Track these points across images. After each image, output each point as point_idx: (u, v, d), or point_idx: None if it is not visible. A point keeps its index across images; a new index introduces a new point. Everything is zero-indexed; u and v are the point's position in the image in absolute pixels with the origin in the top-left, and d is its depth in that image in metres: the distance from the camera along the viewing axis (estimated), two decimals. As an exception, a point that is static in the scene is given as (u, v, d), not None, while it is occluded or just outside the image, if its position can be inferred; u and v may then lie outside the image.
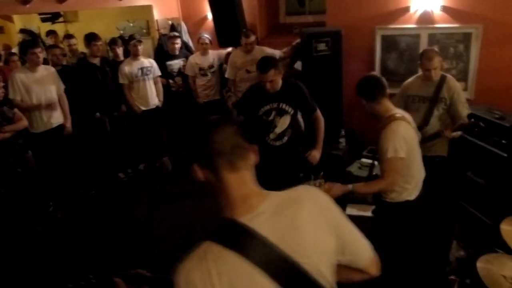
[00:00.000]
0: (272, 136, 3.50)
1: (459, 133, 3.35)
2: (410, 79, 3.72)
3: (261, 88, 3.35)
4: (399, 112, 2.60)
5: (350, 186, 2.58)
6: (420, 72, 3.63)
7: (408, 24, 4.67)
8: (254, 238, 1.08)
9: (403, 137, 2.46)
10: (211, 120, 1.23)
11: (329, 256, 1.17)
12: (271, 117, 3.46)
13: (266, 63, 3.26)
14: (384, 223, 2.80)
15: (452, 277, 2.82)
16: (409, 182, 2.61)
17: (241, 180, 1.17)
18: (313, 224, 1.14)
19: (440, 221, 3.57)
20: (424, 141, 3.40)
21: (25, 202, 4.32)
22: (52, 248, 4.09)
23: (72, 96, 4.84)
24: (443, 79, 3.47)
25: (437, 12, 4.47)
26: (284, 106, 3.43)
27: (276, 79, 3.29)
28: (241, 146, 1.18)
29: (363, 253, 1.27)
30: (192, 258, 1.10)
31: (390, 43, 4.84)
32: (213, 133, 1.16)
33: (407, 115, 2.65)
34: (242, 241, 1.08)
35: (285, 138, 3.52)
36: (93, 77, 5.02)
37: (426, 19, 4.54)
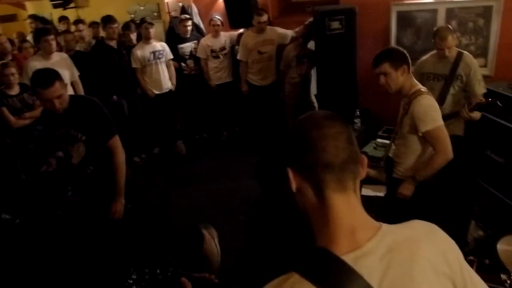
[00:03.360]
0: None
1: (478, 114, 3.24)
2: (425, 56, 3.64)
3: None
4: (423, 87, 2.55)
5: (410, 180, 2.56)
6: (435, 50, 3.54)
7: (425, -1, 4.52)
8: (356, 282, 0.84)
9: (435, 108, 2.45)
10: (322, 115, 0.97)
11: None
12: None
13: (48, 76, 2.51)
14: (397, 200, 2.75)
15: (471, 257, 2.78)
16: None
17: (350, 204, 0.92)
18: (432, 274, 0.89)
19: (458, 201, 3.52)
20: None
21: (44, 187, 4.41)
22: (71, 231, 4.17)
23: (89, 79, 4.88)
24: (459, 56, 3.39)
25: (455, -15, 4.31)
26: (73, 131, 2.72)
27: (63, 94, 2.56)
28: (355, 159, 0.93)
29: None
30: None
31: (406, 19, 4.69)
32: (324, 137, 0.91)
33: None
34: (343, 285, 0.84)
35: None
36: (110, 59, 5.06)
37: (443, -7, 4.39)
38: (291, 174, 0.95)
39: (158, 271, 1.22)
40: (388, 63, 2.46)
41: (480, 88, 3.36)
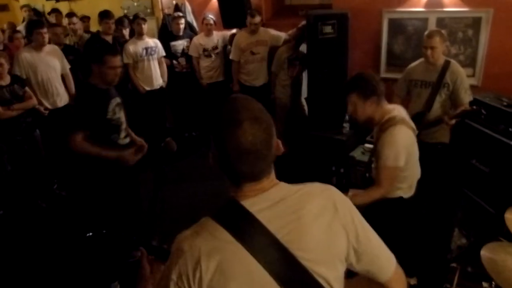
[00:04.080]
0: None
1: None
2: (414, 63, 3.69)
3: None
4: (397, 113, 2.38)
5: (349, 195, 2.36)
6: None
7: (416, 8, 4.58)
8: (253, 224, 1.03)
9: (404, 146, 2.32)
10: (242, 104, 1.10)
11: (335, 257, 1.09)
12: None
13: (114, 46, 2.85)
14: (374, 215, 2.73)
15: (454, 264, 2.83)
16: (403, 182, 2.50)
17: (259, 184, 1.09)
18: (322, 220, 1.07)
19: (442, 209, 3.57)
20: (426, 128, 3.39)
21: (30, 179, 4.37)
22: (56, 225, 4.14)
23: (81, 73, 4.84)
24: (446, 64, 3.44)
25: (446, -5, 4.38)
26: None
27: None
28: (269, 147, 1.07)
29: (384, 266, 1.18)
30: (189, 231, 1.07)
31: (397, 26, 4.75)
32: (240, 129, 1.03)
33: (403, 111, 2.47)
34: (241, 224, 1.03)
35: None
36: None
37: (435, 2, 4.45)
38: (212, 158, 1.12)
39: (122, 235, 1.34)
40: (355, 93, 2.35)
41: (466, 97, 3.41)
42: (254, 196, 1.07)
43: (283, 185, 1.12)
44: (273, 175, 1.12)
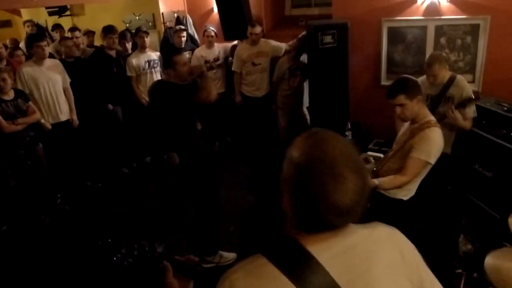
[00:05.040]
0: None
1: (469, 124, 3.36)
2: (420, 79, 3.63)
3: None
4: (434, 118, 2.60)
5: (376, 181, 2.52)
6: None
7: (415, 16, 4.62)
8: (318, 273, 0.89)
9: (439, 147, 2.50)
10: (340, 150, 0.92)
11: None
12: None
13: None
14: (374, 213, 2.74)
15: (459, 270, 2.82)
16: (414, 185, 2.63)
17: (331, 233, 0.96)
18: (390, 272, 0.97)
19: (447, 215, 3.56)
20: None
21: (34, 194, 4.37)
22: (59, 240, 4.14)
23: (85, 87, 4.92)
24: (452, 78, 3.45)
25: (444, 3, 4.42)
26: None
27: None
28: (365, 202, 0.93)
29: None
30: (241, 269, 0.96)
31: (396, 35, 4.80)
32: (344, 186, 0.88)
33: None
34: (303, 271, 0.89)
35: None
36: (108, 68, 5.10)
37: (433, 10, 4.50)
38: (286, 198, 0.95)
39: (147, 249, 1.21)
40: (404, 94, 2.50)
41: (470, 112, 3.38)
42: (322, 241, 0.94)
43: (353, 228, 0.98)
44: None
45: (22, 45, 5.91)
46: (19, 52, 5.12)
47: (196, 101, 3.16)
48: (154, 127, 3.40)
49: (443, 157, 3.43)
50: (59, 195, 4.75)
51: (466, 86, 3.46)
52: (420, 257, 1.07)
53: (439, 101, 3.46)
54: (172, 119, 3.17)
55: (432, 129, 2.49)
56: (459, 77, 3.49)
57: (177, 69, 3.12)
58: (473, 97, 3.39)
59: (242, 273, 0.95)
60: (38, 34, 4.90)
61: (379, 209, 2.62)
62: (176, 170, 3.25)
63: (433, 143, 2.47)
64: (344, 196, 0.88)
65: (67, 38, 5.26)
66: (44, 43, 4.41)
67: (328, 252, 0.92)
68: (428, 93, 3.51)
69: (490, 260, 2.28)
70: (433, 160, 2.48)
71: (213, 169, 3.51)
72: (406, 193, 2.65)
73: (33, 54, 4.45)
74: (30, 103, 4.21)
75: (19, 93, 4.15)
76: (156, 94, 3.29)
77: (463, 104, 3.30)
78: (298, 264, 0.90)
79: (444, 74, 3.44)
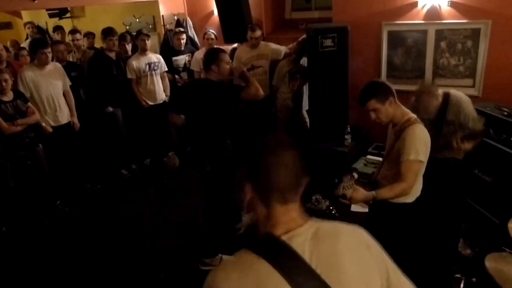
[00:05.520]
0: None
1: (470, 145, 3.24)
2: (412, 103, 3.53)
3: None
4: (413, 114, 2.55)
5: (373, 193, 2.43)
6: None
7: (415, 20, 4.63)
8: (293, 257, 1.05)
9: (424, 142, 2.45)
10: (279, 143, 1.19)
11: None
12: None
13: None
14: (378, 220, 2.71)
15: (458, 275, 2.81)
16: (417, 185, 2.56)
17: (288, 211, 1.14)
18: (356, 257, 1.09)
19: (447, 219, 3.56)
20: (436, 151, 3.22)
21: (33, 195, 4.37)
22: (58, 241, 4.13)
23: (85, 89, 4.93)
24: (446, 99, 3.26)
25: (445, 7, 4.42)
26: None
27: None
28: (300, 182, 1.15)
29: None
30: (221, 264, 1.14)
31: (396, 39, 4.80)
32: (276, 164, 1.12)
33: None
34: (281, 256, 1.05)
35: None
36: (108, 70, 5.11)
37: (433, 14, 4.50)
38: (247, 187, 1.17)
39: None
40: (374, 99, 2.48)
41: (476, 125, 3.25)
42: (289, 230, 1.11)
43: (315, 220, 1.16)
44: (302, 210, 1.18)
45: (23, 45, 5.92)
46: (24, 52, 5.14)
47: (244, 98, 3.26)
48: (188, 119, 3.47)
49: (453, 160, 3.38)
50: (58, 197, 4.75)
51: (463, 102, 3.25)
52: (386, 256, 1.17)
53: (440, 125, 3.30)
54: (213, 114, 3.27)
55: (413, 126, 2.45)
56: (452, 93, 3.29)
57: (221, 66, 3.23)
58: (483, 129, 3.28)
59: (221, 266, 1.14)
60: (42, 40, 4.89)
61: (383, 215, 2.63)
62: (203, 165, 3.39)
63: (417, 140, 2.42)
64: (278, 173, 1.12)
65: (59, 42, 5.25)
66: (49, 49, 4.42)
67: (298, 238, 1.08)
68: (427, 117, 3.23)
69: (491, 263, 2.28)
70: (423, 157, 2.42)
71: (234, 167, 3.60)
72: (411, 196, 2.59)
73: (36, 60, 4.45)
74: (29, 104, 4.21)
75: (18, 94, 4.15)
76: (195, 90, 3.38)
77: (473, 136, 3.20)
78: (277, 252, 1.06)
79: (436, 104, 3.24)
